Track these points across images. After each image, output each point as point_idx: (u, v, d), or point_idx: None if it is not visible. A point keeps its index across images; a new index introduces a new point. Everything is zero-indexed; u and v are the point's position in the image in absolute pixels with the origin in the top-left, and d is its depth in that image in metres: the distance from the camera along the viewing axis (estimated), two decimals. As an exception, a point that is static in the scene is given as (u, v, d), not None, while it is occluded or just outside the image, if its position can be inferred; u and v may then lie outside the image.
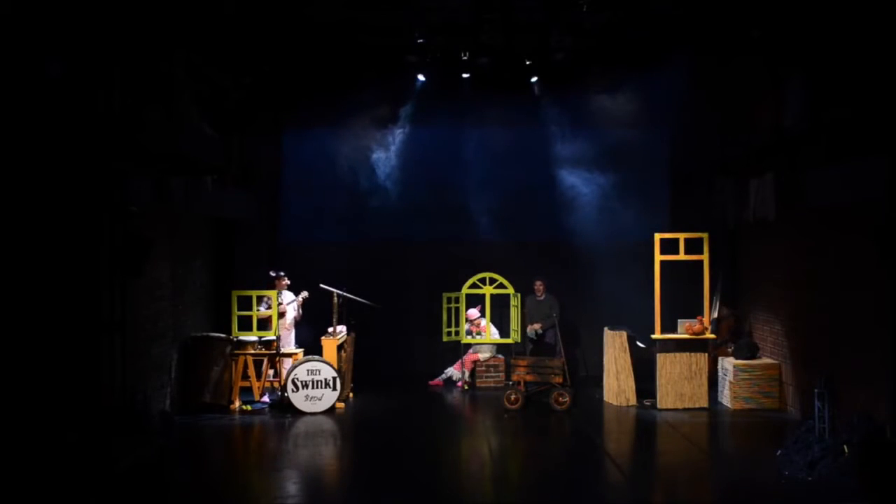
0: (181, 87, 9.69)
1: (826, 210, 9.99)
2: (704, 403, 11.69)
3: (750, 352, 11.97)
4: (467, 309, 13.40)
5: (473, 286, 13.10)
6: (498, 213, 14.04)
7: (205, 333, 11.95)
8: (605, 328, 12.50)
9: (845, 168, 9.10)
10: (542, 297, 13.64)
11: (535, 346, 13.64)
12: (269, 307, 11.86)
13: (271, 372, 12.12)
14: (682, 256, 11.85)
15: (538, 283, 13.63)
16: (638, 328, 12.26)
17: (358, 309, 12.38)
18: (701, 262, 11.80)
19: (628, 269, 13.15)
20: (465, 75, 13.28)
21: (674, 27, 11.41)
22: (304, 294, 12.37)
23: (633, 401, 12.04)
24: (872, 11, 8.30)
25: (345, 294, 12.05)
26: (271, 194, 14.33)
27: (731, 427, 11.15)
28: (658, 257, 11.77)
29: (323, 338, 11.99)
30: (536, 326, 13.48)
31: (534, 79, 13.58)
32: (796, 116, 10.17)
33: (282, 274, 12.36)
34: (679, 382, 11.70)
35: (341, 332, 12.21)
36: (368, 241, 14.25)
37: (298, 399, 11.41)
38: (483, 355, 13.63)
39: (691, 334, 11.72)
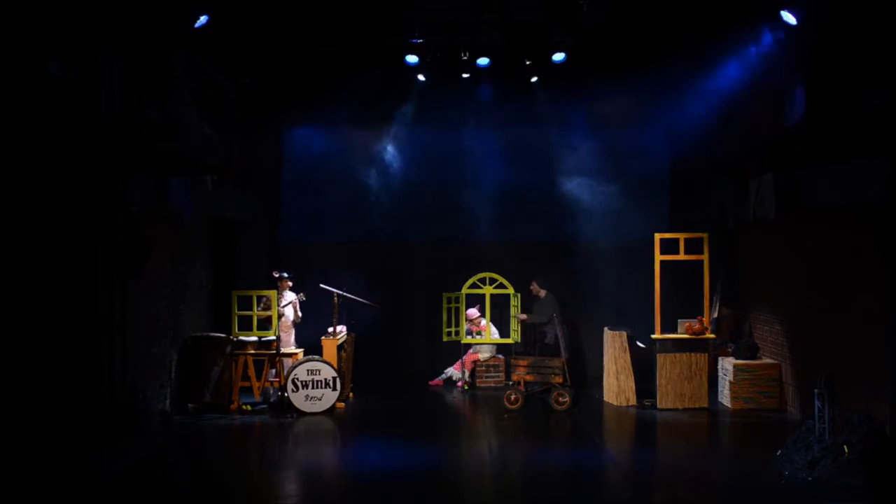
0: (181, 87, 9.68)
1: (826, 210, 9.99)
2: (704, 403, 11.70)
3: (750, 352, 11.97)
4: (467, 308, 13.40)
5: (473, 286, 13.09)
6: (498, 213, 14.05)
7: (205, 333, 11.95)
8: (605, 328, 12.51)
9: (845, 168, 9.10)
10: (540, 297, 13.59)
11: (540, 345, 13.57)
12: (268, 307, 11.86)
13: (272, 371, 12.12)
14: (682, 256, 11.86)
15: (532, 284, 13.58)
16: (638, 328, 12.26)
17: (358, 309, 12.39)
18: (701, 262, 11.81)
19: (628, 269, 13.15)
20: (465, 75, 13.28)
21: (673, 27, 11.41)
22: (301, 296, 12.38)
23: (633, 401, 12.04)
24: (872, 11, 8.30)
25: (345, 294, 12.05)
26: (271, 194, 14.34)
27: (731, 427, 11.15)
28: (658, 257, 11.78)
29: (323, 338, 11.99)
30: (523, 317, 13.38)
31: (534, 79, 13.58)
32: (796, 116, 10.17)
33: (284, 275, 12.37)
34: (679, 382, 11.70)
35: (341, 332, 12.21)
36: (368, 241, 14.25)
37: (298, 399, 11.41)
38: (483, 355, 13.62)
39: (691, 334, 11.73)
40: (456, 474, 9.13)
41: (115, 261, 8.29)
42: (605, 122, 13.71)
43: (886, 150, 8.09)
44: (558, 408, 11.72)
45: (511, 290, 13.05)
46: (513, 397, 11.87)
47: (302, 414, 11.36)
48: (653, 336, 11.81)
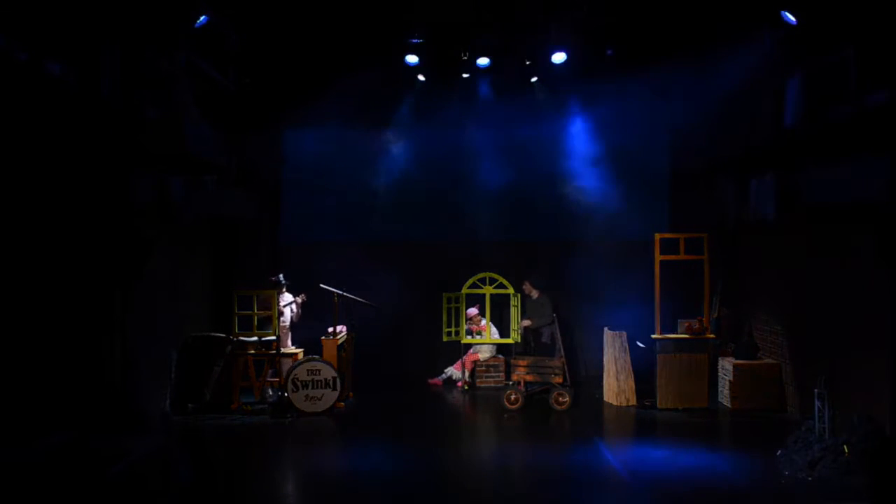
0: (181, 87, 9.70)
1: (826, 210, 9.99)
2: (704, 403, 11.69)
3: (750, 352, 11.97)
4: (467, 308, 13.39)
5: (473, 286, 13.08)
6: (498, 213, 14.05)
7: (205, 333, 11.95)
8: (605, 328, 12.50)
9: (845, 168, 9.11)
10: (535, 297, 13.59)
11: (536, 345, 13.59)
12: (267, 306, 11.85)
13: (272, 372, 12.13)
14: (682, 256, 11.86)
15: (525, 283, 13.58)
16: (638, 328, 12.26)
17: (358, 309, 12.39)
18: (701, 262, 11.81)
19: (628, 269, 13.14)
20: (465, 75, 13.27)
21: (673, 27, 11.41)
22: (302, 296, 12.37)
23: (633, 401, 12.04)
24: (872, 11, 8.31)
25: (345, 294, 12.05)
26: (271, 194, 14.34)
27: (731, 427, 11.15)
28: (658, 257, 11.78)
29: (323, 338, 11.99)
30: (526, 323, 13.42)
31: (534, 79, 13.58)
32: (796, 116, 10.18)
33: (280, 280, 12.35)
34: (679, 382, 11.70)
35: (341, 332, 12.22)
36: (368, 241, 14.24)
37: (298, 399, 11.41)
38: (483, 355, 13.62)
39: (691, 334, 11.72)
40: (456, 474, 9.14)
41: (116, 260, 8.30)
42: (605, 122, 13.70)
43: (886, 150, 8.09)
44: (558, 408, 11.72)
45: (511, 291, 13.03)
46: (513, 397, 11.87)
47: (302, 414, 11.37)
48: (653, 336, 11.80)
